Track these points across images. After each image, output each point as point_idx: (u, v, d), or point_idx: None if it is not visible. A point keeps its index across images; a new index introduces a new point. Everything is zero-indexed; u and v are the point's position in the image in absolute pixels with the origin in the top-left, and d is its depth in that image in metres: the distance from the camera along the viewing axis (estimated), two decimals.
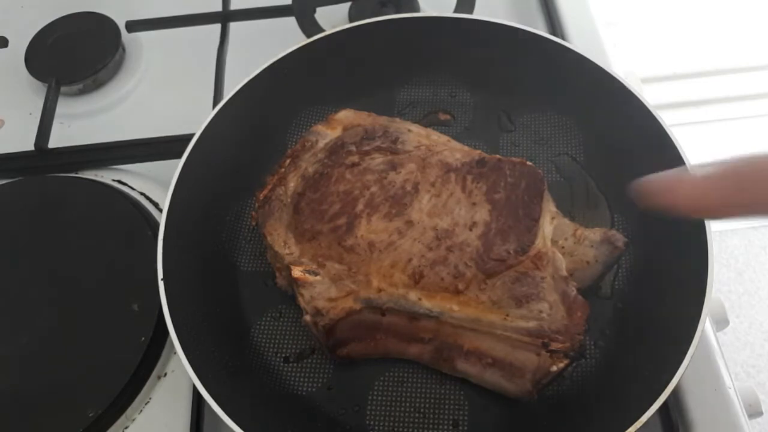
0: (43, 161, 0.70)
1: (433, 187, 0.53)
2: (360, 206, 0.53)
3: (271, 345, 0.55)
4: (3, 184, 0.69)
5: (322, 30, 0.72)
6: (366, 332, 0.51)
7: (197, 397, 0.53)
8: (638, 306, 0.53)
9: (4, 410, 0.54)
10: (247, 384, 0.52)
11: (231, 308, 0.57)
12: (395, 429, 0.51)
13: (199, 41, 0.79)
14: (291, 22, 0.75)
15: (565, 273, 0.50)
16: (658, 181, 0.33)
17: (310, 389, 0.53)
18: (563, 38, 0.70)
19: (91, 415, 0.52)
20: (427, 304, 0.48)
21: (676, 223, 0.52)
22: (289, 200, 0.55)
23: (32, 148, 0.69)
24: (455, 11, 0.74)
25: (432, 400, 0.52)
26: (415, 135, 0.57)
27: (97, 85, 0.78)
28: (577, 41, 0.72)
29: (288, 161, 0.58)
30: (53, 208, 0.66)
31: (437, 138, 0.58)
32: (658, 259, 0.54)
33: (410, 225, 0.51)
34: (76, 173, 0.69)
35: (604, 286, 0.55)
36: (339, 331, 0.50)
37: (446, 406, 0.51)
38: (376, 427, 0.51)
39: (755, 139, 1.40)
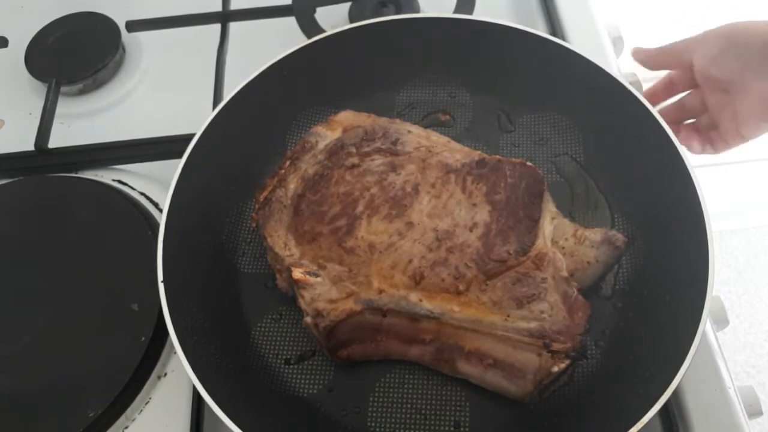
0: (43, 161, 0.69)
1: (433, 188, 0.53)
2: (360, 207, 0.53)
3: (272, 347, 0.55)
4: (3, 184, 0.69)
5: (322, 30, 0.72)
6: (367, 334, 0.51)
7: (197, 397, 0.53)
8: (639, 306, 0.53)
9: (4, 410, 0.54)
10: (248, 385, 0.52)
11: (231, 310, 0.57)
12: (397, 430, 0.51)
13: (199, 41, 0.79)
14: (291, 22, 0.75)
15: (565, 273, 0.50)
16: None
17: (311, 391, 0.53)
18: (563, 39, 0.70)
19: (91, 415, 0.52)
20: (428, 305, 0.48)
21: (677, 222, 0.53)
22: (289, 202, 0.55)
23: (32, 148, 0.69)
24: (455, 12, 0.74)
25: (433, 402, 0.52)
26: (414, 136, 0.57)
27: (97, 85, 0.78)
28: (577, 41, 0.72)
29: (288, 163, 0.58)
30: (53, 208, 0.66)
31: (437, 139, 0.58)
32: (659, 259, 0.54)
33: (410, 226, 0.51)
34: (76, 173, 0.69)
35: (604, 286, 0.55)
36: (340, 333, 0.50)
37: (448, 408, 0.51)
38: (378, 429, 0.51)
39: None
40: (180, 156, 0.58)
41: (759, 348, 1.50)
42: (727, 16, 0.55)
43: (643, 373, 0.47)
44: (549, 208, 0.54)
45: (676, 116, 0.61)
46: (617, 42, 0.77)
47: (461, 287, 0.48)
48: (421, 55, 0.67)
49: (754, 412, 0.54)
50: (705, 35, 0.56)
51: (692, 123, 0.62)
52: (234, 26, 0.79)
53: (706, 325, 0.46)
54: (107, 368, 0.55)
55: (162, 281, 0.51)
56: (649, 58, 0.61)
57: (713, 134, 0.59)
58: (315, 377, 0.54)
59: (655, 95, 0.62)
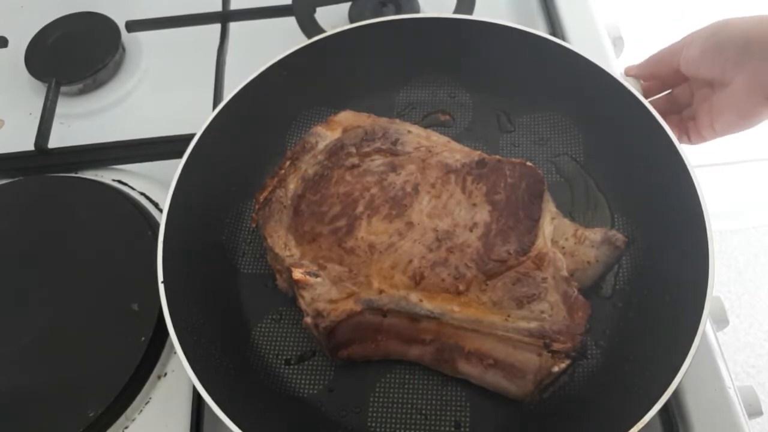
0: (43, 161, 0.70)
1: (433, 188, 0.53)
2: (360, 208, 0.53)
3: (272, 347, 0.55)
4: (3, 184, 0.69)
5: (322, 30, 0.72)
6: (367, 334, 0.51)
7: (197, 397, 0.53)
8: (639, 306, 0.53)
9: (4, 410, 0.54)
10: (248, 385, 0.52)
11: (231, 310, 0.57)
12: (397, 430, 0.51)
13: (199, 41, 0.79)
14: (291, 22, 0.75)
15: (566, 273, 0.50)
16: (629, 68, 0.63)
17: (311, 391, 0.53)
18: (563, 39, 0.70)
19: (91, 415, 0.52)
20: (428, 305, 0.48)
21: (677, 222, 0.53)
22: (289, 202, 0.55)
23: (32, 148, 0.69)
24: (455, 12, 0.74)
25: (434, 402, 0.52)
26: (414, 136, 0.57)
27: (97, 85, 0.78)
28: (577, 41, 0.72)
29: (288, 163, 0.58)
30: (53, 208, 0.66)
31: (437, 139, 0.58)
32: (659, 259, 0.54)
33: (410, 226, 0.51)
34: (76, 173, 0.69)
35: (604, 286, 0.55)
36: (340, 333, 0.50)
37: (448, 408, 0.51)
38: (378, 429, 0.51)
39: (753, 138, 1.40)
40: (180, 156, 0.58)
41: (759, 348, 1.50)
42: (728, 15, 0.54)
43: (643, 373, 0.47)
44: (549, 208, 0.54)
45: (667, 107, 0.62)
46: (617, 42, 0.77)
47: (461, 287, 0.48)
48: (421, 55, 0.67)
49: (754, 412, 0.54)
50: (689, 37, 0.57)
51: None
52: (234, 26, 0.79)
53: (706, 325, 0.46)
54: (107, 368, 0.55)
55: (162, 281, 0.51)
56: (640, 71, 0.62)
57: (690, 125, 0.60)
58: (315, 377, 0.54)
59: (648, 92, 0.63)
